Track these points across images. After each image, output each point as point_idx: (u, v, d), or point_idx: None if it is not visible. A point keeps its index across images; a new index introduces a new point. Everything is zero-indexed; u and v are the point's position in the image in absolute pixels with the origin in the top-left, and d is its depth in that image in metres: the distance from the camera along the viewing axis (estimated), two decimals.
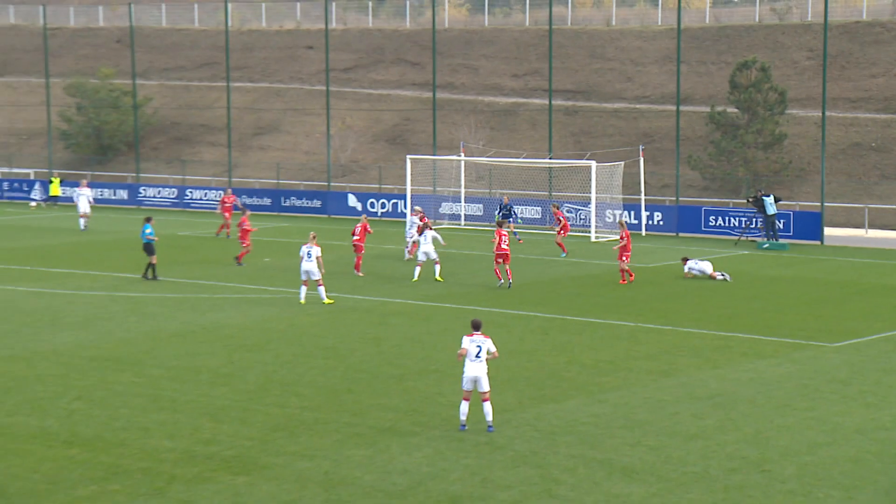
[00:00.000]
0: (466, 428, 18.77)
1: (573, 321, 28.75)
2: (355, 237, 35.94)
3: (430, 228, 35.76)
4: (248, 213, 40.14)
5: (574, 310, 30.26)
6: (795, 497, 15.84)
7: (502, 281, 33.82)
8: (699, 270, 35.73)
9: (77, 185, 52.31)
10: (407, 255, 39.09)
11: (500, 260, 33.53)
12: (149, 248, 34.30)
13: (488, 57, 73.73)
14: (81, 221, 48.95)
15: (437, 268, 34.96)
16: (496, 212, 46.52)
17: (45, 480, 16.22)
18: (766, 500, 15.73)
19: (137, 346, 25.23)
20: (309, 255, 30.30)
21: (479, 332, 18.78)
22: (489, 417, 18.75)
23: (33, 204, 61.71)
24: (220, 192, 52.80)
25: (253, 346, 25.35)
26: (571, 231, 44.99)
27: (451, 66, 73.05)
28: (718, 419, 19.67)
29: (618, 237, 34.99)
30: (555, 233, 42.73)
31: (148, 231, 34.29)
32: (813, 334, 27.21)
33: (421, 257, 35.22)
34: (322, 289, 30.58)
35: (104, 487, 15.98)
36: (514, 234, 43.21)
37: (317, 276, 30.34)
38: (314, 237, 31.02)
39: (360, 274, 35.61)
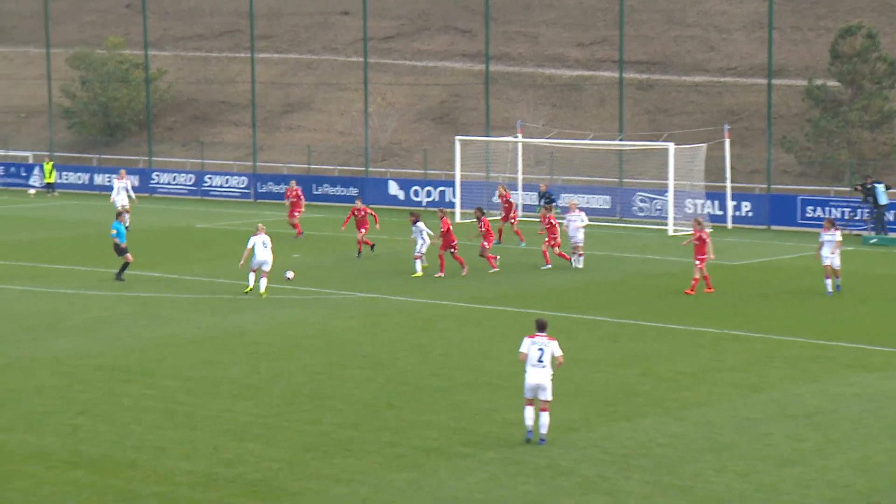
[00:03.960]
0: (532, 437, 18.97)
1: (647, 327, 28.60)
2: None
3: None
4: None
5: (648, 314, 30.10)
6: None
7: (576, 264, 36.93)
8: (828, 257, 32.61)
9: (117, 172, 51.91)
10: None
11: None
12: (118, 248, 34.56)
13: (549, 23, 73.56)
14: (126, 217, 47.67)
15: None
16: (539, 202, 46.23)
17: None
18: None
19: (149, 354, 25.38)
20: (265, 244, 32.08)
21: (542, 334, 18.95)
22: (544, 430, 18.98)
23: (32, 192, 62.38)
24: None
25: (280, 355, 25.44)
26: (646, 224, 44.61)
27: (507, 33, 72.95)
28: (818, 441, 19.47)
29: (692, 234, 33.92)
30: (500, 220, 42.09)
31: (116, 227, 34.54)
32: None
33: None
34: (265, 280, 31.99)
35: None
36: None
37: (269, 266, 32.09)
38: (262, 227, 32.92)
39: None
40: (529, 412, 19.04)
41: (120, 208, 47.20)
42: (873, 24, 59.37)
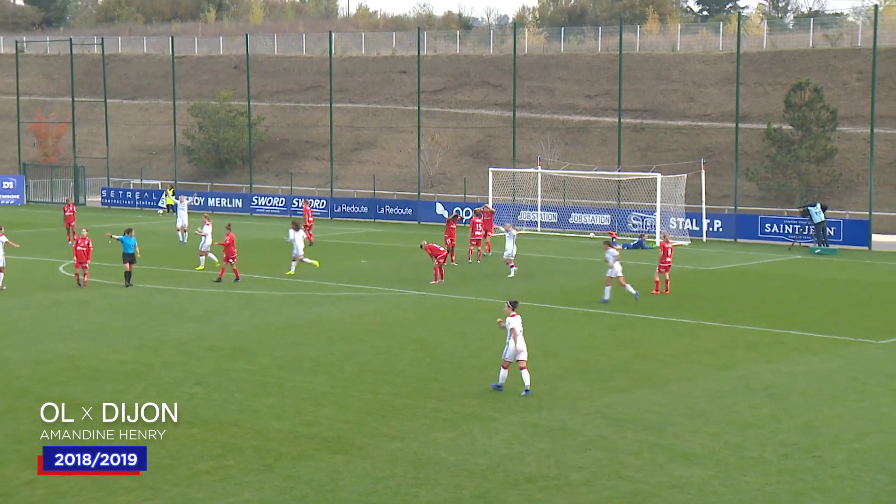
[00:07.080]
0: (502, 389, 19.95)
1: (639, 318, 28.43)
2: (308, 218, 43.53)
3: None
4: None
5: (639, 308, 29.90)
6: (844, 481, 15.48)
7: None
8: (612, 272, 29.95)
9: (183, 194, 51.67)
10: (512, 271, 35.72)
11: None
12: (129, 257, 33.19)
13: (563, 80, 73.36)
14: (179, 234, 46.43)
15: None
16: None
17: (170, 456, 16.47)
18: (818, 483, 15.39)
19: (249, 338, 25.51)
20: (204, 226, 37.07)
21: (514, 312, 20.10)
22: (527, 383, 19.78)
23: (160, 211, 62.87)
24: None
25: (350, 339, 25.48)
26: (638, 237, 44.37)
27: (530, 87, 72.82)
28: (772, 409, 19.30)
29: (660, 247, 32.52)
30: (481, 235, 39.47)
31: (131, 242, 33.24)
32: (861, 332, 26.57)
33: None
34: (203, 259, 36.88)
35: (220, 462, 16.20)
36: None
37: (205, 246, 36.84)
38: (207, 219, 37.81)
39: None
40: (505, 373, 20.03)
41: (179, 227, 46.17)
42: (819, 81, 58.95)
